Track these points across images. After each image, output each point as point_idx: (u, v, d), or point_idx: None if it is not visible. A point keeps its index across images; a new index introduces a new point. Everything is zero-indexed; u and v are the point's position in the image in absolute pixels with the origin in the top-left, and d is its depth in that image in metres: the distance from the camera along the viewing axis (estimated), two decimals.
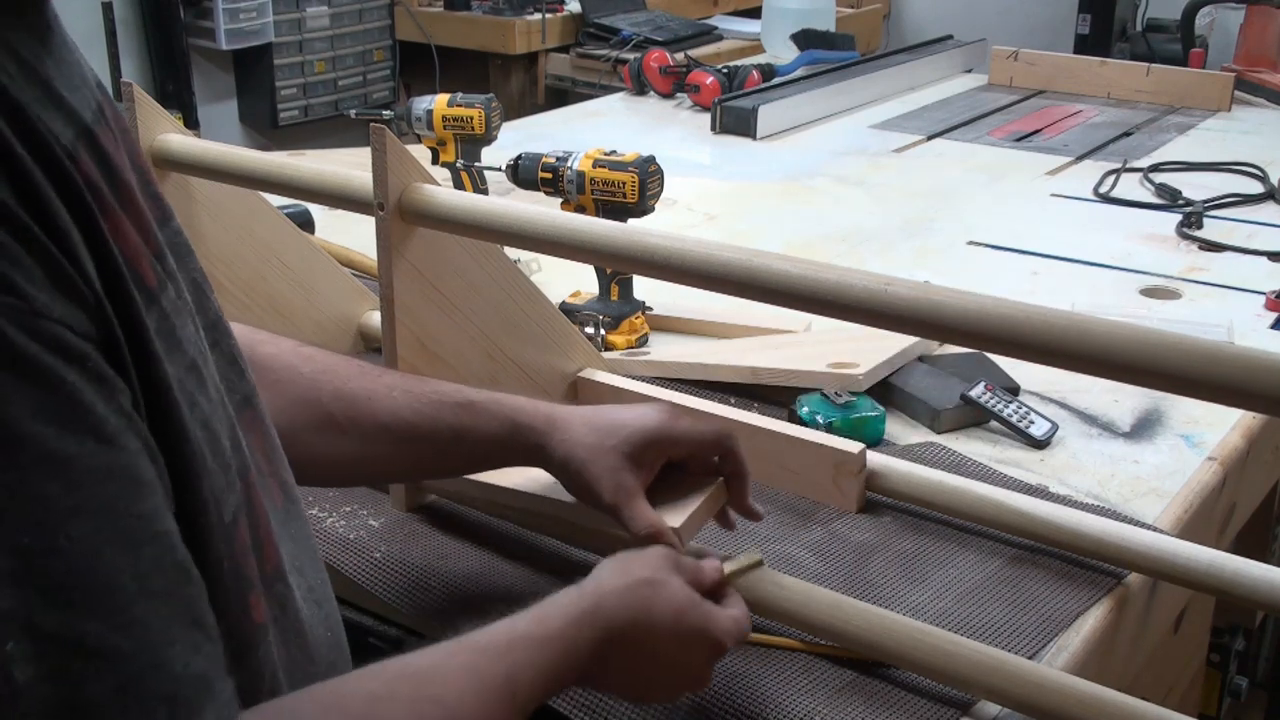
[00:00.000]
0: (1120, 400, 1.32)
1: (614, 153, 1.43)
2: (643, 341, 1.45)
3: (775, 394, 1.28)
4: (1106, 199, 2.02)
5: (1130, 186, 2.06)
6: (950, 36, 3.09)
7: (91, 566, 0.50)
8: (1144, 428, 1.27)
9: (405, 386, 0.94)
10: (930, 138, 2.40)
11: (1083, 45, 3.64)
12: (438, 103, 1.83)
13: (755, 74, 2.61)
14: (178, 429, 0.58)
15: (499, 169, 1.61)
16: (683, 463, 0.93)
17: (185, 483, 0.57)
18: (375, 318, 1.28)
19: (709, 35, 3.49)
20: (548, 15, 3.51)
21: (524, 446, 0.92)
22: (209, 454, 0.60)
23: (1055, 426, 1.24)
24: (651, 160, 1.41)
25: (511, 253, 1.28)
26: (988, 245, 1.80)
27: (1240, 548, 1.31)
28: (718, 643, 0.80)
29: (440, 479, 1.07)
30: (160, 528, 0.53)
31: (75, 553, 0.49)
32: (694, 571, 0.83)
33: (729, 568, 0.87)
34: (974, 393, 1.25)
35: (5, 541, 0.48)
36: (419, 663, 0.67)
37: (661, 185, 1.42)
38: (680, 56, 2.78)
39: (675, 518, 0.89)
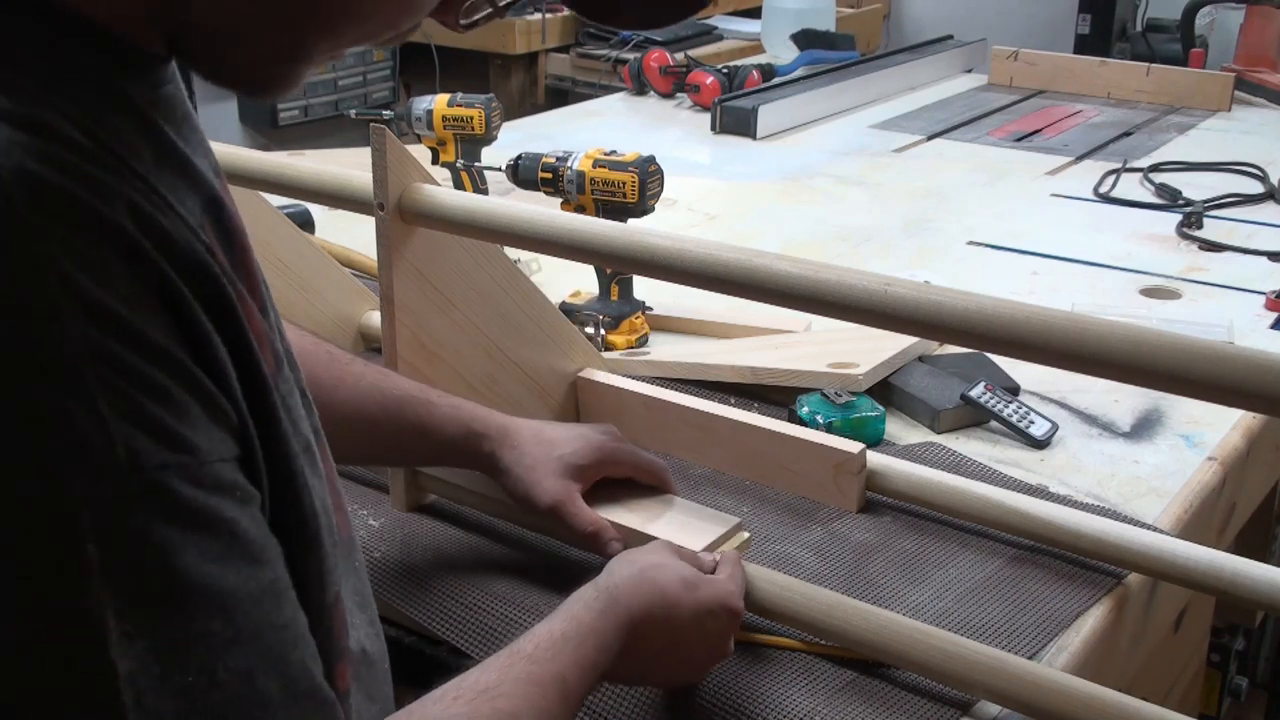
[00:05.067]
0: (1120, 400, 1.31)
1: (614, 153, 1.43)
2: (643, 341, 1.45)
3: (775, 394, 1.28)
4: (1106, 199, 2.02)
5: (1130, 186, 2.06)
6: (950, 36, 3.09)
7: (247, 692, 0.50)
8: (1144, 428, 1.27)
9: (371, 379, 0.98)
10: (930, 138, 2.40)
11: (1083, 45, 3.64)
12: (438, 103, 1.83)
13: (755, 74, 2.60)
14: (300, 516, 0.58)
15: (499, 169, 1.61)
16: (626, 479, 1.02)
17: (300, 569, 0.57)
18: (375, 318, 1.28)
19: (709, 35, 3.49)
20: (548, 15, 3.50)
21: (475, 452, 0.98)
22: (325, 536, 0.60)
23: (1055, 426, 1.24)
24: (651, 160, 1.41)
25: (511, 253, 1.28)
26: (988, 245, 1.80)
27: (1240, 548, 1.31)
28: (732, 609, 0.86)
29: (395, 467, 1.11)
30: (297, 630, 0.54)
31: (232, 683, 0.49)
32: (691, 556, 0.90)
33: (723, 548, 0.96)
34: (974, 393, 1.25)
35: (170, 683, 0.48)
36: (483, 680, 0.70)
37: (661, 185, 1.42)
38: (680, 56, 2.78)
39: (622, 515, 0.98)
